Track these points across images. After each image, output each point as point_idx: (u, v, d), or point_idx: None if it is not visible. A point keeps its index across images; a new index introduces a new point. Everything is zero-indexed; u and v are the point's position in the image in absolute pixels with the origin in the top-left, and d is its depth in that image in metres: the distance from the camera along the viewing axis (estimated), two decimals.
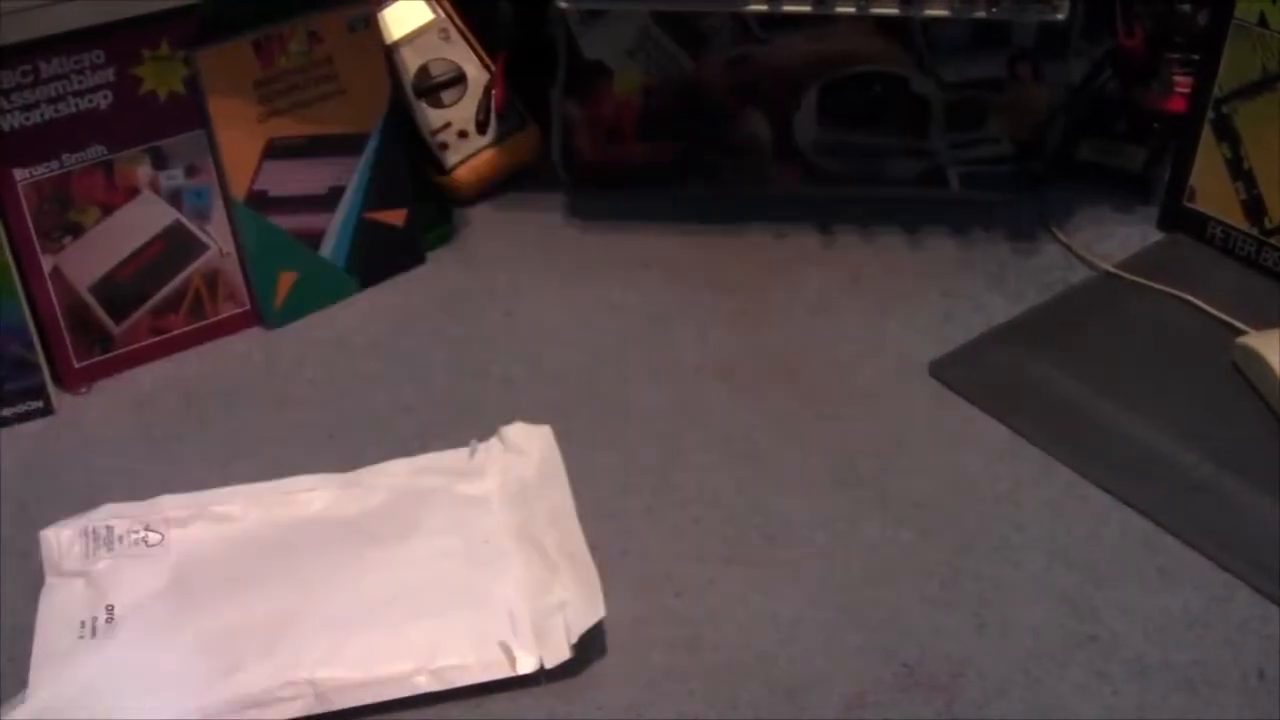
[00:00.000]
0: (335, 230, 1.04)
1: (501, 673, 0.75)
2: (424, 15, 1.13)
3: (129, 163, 0.94)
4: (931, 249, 1.11)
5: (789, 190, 1.15)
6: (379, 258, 1.07)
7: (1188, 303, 1.02)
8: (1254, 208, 1.05)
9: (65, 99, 0.90)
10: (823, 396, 0.96)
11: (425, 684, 0.74)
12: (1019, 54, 1.08)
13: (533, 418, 0.90)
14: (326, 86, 1.00)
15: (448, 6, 1.14)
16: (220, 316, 1.02)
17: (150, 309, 0.99)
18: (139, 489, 0.85)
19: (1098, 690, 0.75)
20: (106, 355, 0.98)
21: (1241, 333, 0.98)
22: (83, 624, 0.77)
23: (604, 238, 1.12)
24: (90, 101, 0.91)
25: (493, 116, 1.14)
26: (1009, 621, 0.79)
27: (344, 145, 1.02)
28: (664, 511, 0.86)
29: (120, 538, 0.81)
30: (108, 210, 0.95)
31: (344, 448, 0.91)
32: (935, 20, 1.04)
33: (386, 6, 1.10)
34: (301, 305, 1.04)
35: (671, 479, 0.89)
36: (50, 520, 0.82)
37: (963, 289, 1.06)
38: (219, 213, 0.99)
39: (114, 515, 0.83)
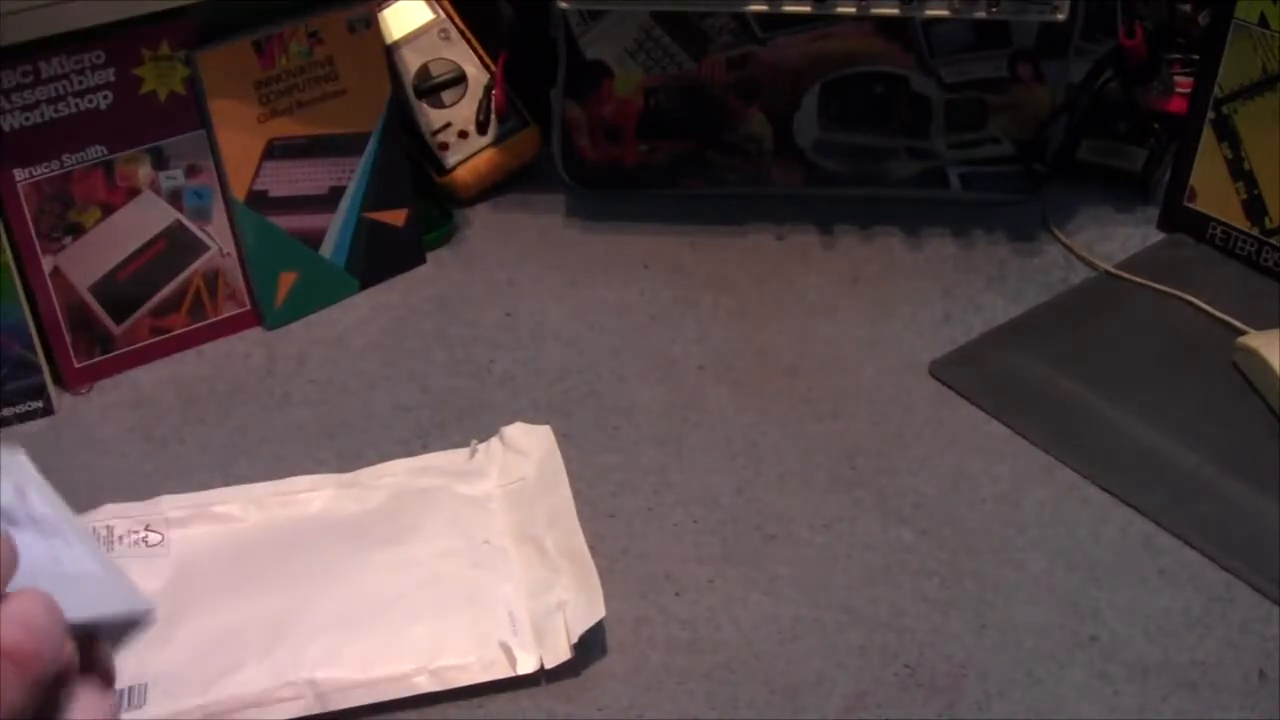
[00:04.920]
0: (335, 230, 1.04)
1: (501, 673, 0.75)
2: (424, 15, 1.13)
3: (129, 163, 0.94)
4: (931, 249, 1.11)
5: (789, 190, 1.15)
6: (379, 258, 1.06)
7: (1188, 303, 1.02)
8: (1254, 208, 1.05)
9: (65, 99, 0.90)
10: (823, 396, 0.96)
11: (425, 684, 0.74)
12: (1019, 54, 1.08)
13: (533, 418, 0.90)
14: (326, 87, 1.00)
15: (448, 6, 1.14)
16: (220, 316, 1.02)
17: (151, 309, 0.99)
18: (139, 489, 0.85)
19: (1099, 691, 0.75)
20: (107, 355, 0.98)
21: (1241, 333, 0.98)
22: None
23: (604, 238, 1.12)
24: (90, 101, 0.91)
25: (493, 116, 1.14)
26: (1010, 622, 0.79)
27: (344, 145, 1.02)
28: (664, 511, 0.86)
29: (120, 538, 0.81)
30: (108, 210, 0.95)
31: (344, 448, 0.91)
32: (935, 20, 1.04)
33: (386, 6, 1.10)
34: (301, 305, 1.04)
35: (671, 479, 0.89)
36: None
37: (963, 289, 1.06)
38: (219, 213, 0.99)
39: (114, 515, 0.83)
